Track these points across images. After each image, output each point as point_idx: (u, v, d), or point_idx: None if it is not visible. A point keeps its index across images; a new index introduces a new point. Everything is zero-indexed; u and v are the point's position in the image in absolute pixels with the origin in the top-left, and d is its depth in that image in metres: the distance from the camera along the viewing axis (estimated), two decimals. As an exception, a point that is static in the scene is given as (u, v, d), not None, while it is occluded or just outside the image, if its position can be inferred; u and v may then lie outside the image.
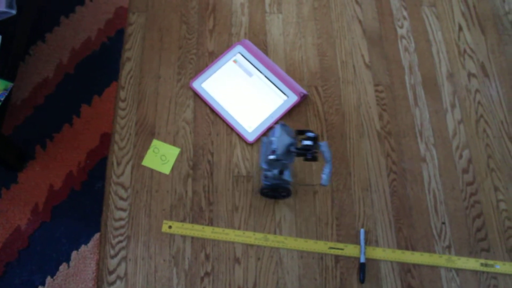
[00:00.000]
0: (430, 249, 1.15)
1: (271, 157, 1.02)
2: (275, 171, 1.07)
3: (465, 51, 1.40)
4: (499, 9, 1.47)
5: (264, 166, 1.07)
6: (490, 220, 1.19)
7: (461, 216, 1.19)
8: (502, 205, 1.21)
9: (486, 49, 1.41)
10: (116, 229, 1.15)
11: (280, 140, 1.02)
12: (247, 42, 1.34)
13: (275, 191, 1.13)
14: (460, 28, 1.44)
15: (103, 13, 1.41)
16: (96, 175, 1.20)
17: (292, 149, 1.03)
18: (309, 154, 1.00)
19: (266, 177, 1.09)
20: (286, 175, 1.08)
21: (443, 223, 1.18)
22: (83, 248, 1.13)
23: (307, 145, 1.01)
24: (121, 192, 1.19)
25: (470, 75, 1.37)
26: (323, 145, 1.01)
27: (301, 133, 1.06)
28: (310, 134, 1.02)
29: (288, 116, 1.28)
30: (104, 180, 1.20)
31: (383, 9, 1.45)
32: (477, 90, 1.35)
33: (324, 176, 0.98)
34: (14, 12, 1.12)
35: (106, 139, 1.24)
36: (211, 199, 1.18)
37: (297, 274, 1.12)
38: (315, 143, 1.02)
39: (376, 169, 1.23)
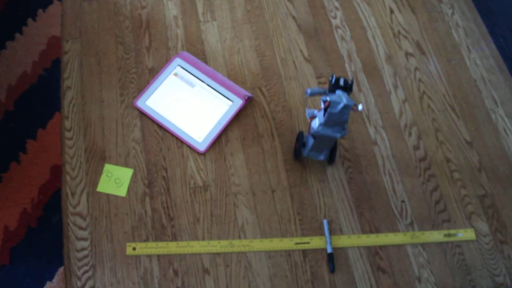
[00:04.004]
0: (394, 229, 1.17)
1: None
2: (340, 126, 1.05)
3: (399, 32, 1.44)
4: (424, -13, 1.52)
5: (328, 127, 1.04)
6: (447, 191, 1.22)
7: (419, 192, 1.22)
8: (456, 175, 1.24)
9: (419, 28, 1.45)
10: (80, 259, 1.12)
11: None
12: (185, 53, 1.34)
13: (329, 141, 1.10)
14: (392, 11, 1.47)
15: (36, 45, 1.38)
16: (52, 209, 1.18)
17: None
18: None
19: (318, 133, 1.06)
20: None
21: (403, 201, 1.20)
22: (48, 285, 1.10)
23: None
24: (80, 221, 1.16)
25: (407, 54, 1.40)
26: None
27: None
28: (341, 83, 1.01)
29: (236, 120, 1.28)
30: (61, 212, 1.17)
31: (315, 3, 1.47)
32: (416, 68, 1.38)
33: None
34: None
35: (57, 171, 1.22)
36: (171, 214, 1.17)
37: (267, 275, 1.12)
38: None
39: (330, 159, 1.24)
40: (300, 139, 1.18)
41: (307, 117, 1.11)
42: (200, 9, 1.45)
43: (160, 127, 1.27)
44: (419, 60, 1.40)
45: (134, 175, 1.21)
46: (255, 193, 1.20)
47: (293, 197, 1.20)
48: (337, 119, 1.01)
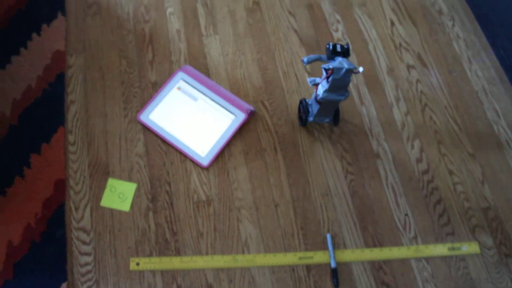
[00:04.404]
0: (397, 243, 1.17)
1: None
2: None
3: (400, 44, 1.45)
4: (425, 0, 1.53)
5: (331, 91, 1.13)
6: (450, 204, 1.22)
7: (422, 205, 1.22)
8: (459, 188, 1.24)
9: (420, 40, 1.46)
10: (83, 275, 1.12)
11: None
12: (188, 67, 1.35)
13: (334, 104, 1.20)
14: (392, 23, 1.48)
15: (40, 59, 1.39)
16: (56, 224, 1.18)
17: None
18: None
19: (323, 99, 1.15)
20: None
21: (406, 214, 1.20)
22: (52, 300, 1.10)
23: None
24: (83, 236, 1.16)
25: (409, 67, 1.41)
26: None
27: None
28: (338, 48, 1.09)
29: (238, 134, 1.29)
30: (64, 227, 1.17)
31: (316, 16, 1.48)
32: (418, 80, 1.39)
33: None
34: None
35: (60, 186, 1.22)
36: (175, 229, 1.17)
37: (271, 290, 1.12)
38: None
39: (333, 173, 1.25)
40: (304, 107, 1.25)
41: (310, 85, 1.21)
42: (202, 23, 1.46)
43: (164, 141, 1.27)
44: (420, 72, 1.40)
45: (137, 190, 1.22)
46: (258, 207, 1.20)
47: (296, 211, 1.20)
48: (341, 83, 1.11)
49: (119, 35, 1.43)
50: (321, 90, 1.14)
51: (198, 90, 1.32)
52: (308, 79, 1.19)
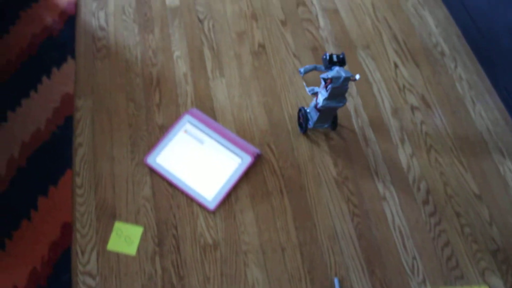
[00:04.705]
0: (405, 287, 1.16)
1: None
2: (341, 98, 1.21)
3: (404, 86, 1.46)
4: (427, 42, 1.55)
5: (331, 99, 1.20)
6: (458, 247, 1.21)
7: (430, 247, 1.21)
8: (467, 230, 1.23)
9: (423, 82, 1.48)
10: (89, 321, 1.12)
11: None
12: (195, 110, 1.36)
13: (333, 111, 1.27)
14: (396, 65, 1.50)
15: (49, 102, 1.42)
16: (62, 268, 1.17)
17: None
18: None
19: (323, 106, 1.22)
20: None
21: (414, 258, 1.19)
22: None
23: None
24: (89, 281, 1.16)
25: (413, 108, 1.42)
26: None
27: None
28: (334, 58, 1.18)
29: (245, 177, 1.29)
30: (70, 271, 1.17)
31: (320, 58, 1.50)
32: (422, 122, 1.40)
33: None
34: None
35: (67, 229, 1.22)
36: (181, 274, 1.17)
37: (278, 336, 1.10)
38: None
39: (339, 216, 1.24)
40: (304, 115, 1.32)
41: (309, 94, 1.30)
42: (209, 66, 1.48)
43: (170, 184, 1.28)
44: (424, 114, 1.41)
45: (144, 233, 1.21)
46: (265, 251, 1.20)
47: (303, 255, 1.19)
48: (339, 91, 1.18)
49: (127, 78, 1.46)
50: (320, 98, 1.21)
51: (205, 133, 1.34)
52: (307, 89, 1.26)
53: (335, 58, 1.17)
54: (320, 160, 1.33)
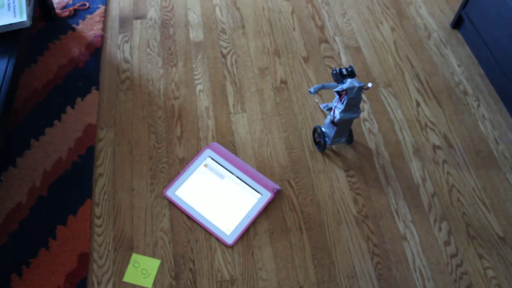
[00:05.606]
0: (426, 331, 1.13)
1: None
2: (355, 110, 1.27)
3: (426, 124, 1.46)
4: (449, 81, 1.55)
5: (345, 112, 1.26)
6: (481, 291, 1.18)
7: (452, 290, 1.18)
8: (490, 273, 1.20)
9: (445, 120, 1.47)
10: None
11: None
12: (216, 144, 1.37)
13: (349, 123, 1.32)
14: (418, 104, 1.50)
15: (72, 132, 1.44)
16: (77, 299, 1.17)
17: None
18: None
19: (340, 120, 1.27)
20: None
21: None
22: None
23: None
24: (104, 313, 1.15)
25: (435, 147, 1.41)
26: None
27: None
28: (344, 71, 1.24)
29: (264, 213, 1.28)
30: (86, 303, 1.16)
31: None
32: (444, 161, 1.38)
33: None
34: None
35: (84, 259, 1.22)
36: (197, 309, 1.15)
37: None
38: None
39: (358, 255, 1.22)
40: (320, 134, 1.36)
41: (324, 110, 1.32)
42: (231, 101, 1.50)
43: (189, 217, 1.28)
44: (446, 153, 1.40)
45: (161, 266, 1.21)
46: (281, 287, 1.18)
47: (321, 294, 1.17)
48: (354, 101, 1.23)
49: (149, 110, 1.48)
50: (337, 112, 1.26)
51: (225, 167, 1.34)
52: (321, 105, 1.31)
53: (344, 71, 1.24)
54: (340, 197, 1.32)
